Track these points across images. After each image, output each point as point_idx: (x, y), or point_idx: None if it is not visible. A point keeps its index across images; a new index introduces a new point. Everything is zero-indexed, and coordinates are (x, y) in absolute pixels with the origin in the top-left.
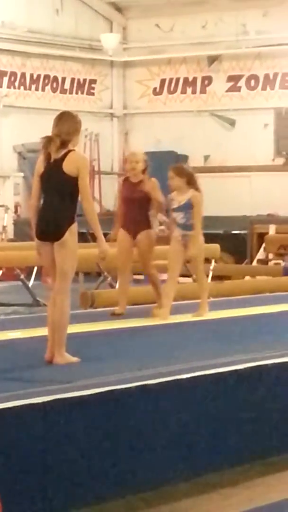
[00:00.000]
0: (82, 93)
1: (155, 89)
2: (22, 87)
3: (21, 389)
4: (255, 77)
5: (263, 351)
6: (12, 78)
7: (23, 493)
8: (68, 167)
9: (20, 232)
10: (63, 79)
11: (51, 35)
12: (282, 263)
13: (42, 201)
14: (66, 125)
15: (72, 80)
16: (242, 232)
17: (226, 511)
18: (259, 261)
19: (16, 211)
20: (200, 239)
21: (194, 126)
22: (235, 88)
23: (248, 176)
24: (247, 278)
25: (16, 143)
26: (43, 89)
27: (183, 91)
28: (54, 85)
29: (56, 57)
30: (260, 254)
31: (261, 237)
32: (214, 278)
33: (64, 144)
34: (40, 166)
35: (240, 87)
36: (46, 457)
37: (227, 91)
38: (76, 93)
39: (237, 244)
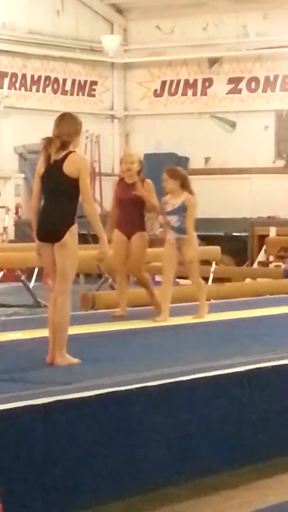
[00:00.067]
0: (83, 94)
1: (155, 91)
2: (22, 88)
3: (22, 390)
4: (255, 79)
5: (263, 353)
6: (13, 79)
7: (23, 494)
8: (68, 168)
9: (21, 233)
10: (64, 81)
11: (52, 37)
12: (283, 265)
13: (42, 202)
14: (67, 126)
15: (73, 81)
16: (243, 234)
17: None
18: (259, 263)
19: (17, 212)
20: (194, 242)
21: (195, 128)
22: (235, 90)
23: (249, 178)
24: (248, 280)
25: (17, 144)
26: (43, 91)
27: (184, 93)
28: (55, 86)
29: (57, 59)
30: (261, 256)
31: (262, 239)
32: (215, 280)
33: (64, 145)
34: (40, 167)
35: (240, 89)
36: (46, 458)
37: (227, 93)
38: (77, 94)
39: (238, 246)
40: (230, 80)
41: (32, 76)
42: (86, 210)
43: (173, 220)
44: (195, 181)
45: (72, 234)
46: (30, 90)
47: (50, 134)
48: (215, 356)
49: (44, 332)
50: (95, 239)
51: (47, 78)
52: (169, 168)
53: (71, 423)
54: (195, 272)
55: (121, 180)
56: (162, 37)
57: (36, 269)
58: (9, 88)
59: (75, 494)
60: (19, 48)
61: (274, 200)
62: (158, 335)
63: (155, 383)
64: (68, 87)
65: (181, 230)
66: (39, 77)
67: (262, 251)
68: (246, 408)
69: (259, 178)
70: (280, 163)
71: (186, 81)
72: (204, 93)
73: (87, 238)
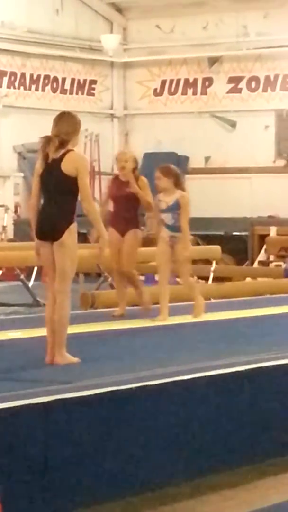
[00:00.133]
0: (82, 93)
1: (155, 90)
2: (22, 87)
3: (21, 389)
4: (255, 79)
5: (264, 353)
6: (12, 78)
7: (23, 493)
8: (66, 167)
9: (20, 232)
10: (63, 80)
11: (51, 35)
12: (283, 265)
13: (42, 201)
14: (66, 125)
15: (72, 80)
16: (243, 233)
17: None
18: (260, 262)
19: (16, 211)
20: (189, 240)
21: (195, 127)
22: (235, 90)
23: (249, 177)
24: (248, 279)
25: (16, 143)
26: (43, 89)
27: (184, 92)
28: (54, 85)
29: (56, 58)
30: (261, 256)
31: (262, 238)
32: (215, 279)
33: (63, 144)
34: (39, 166)
35: (241, 89)
36: (46, 457)
37: (227, 92)
38: (77, 93)
39: (238, 246)
40: (230, 80)
41: (32, 75)
42: (86, 208)
43: (167, 218)
44: (195, 181)
45: (71, 233)
46: (30, 89)
47: (49, 133)
48: (215, 356)
49: (43, 331)
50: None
51: (47, 77)
52: (162, 166)
53: (71, 422)
54: (186, 272)
55: (116, 177)
56: (162, 36)
57: (36, 268)
58: (8, 87)
59: (75, 493)
60: (19, 47)
61: (274, 200)
62: (158, 335)
63: (154, 382)
64: (67, 86)
65: (175, 228)
66: (39, 76)
67: (263, 251)
68: (246, 408)
69: (259, 177)
70: (280, 162)
71: (186, 80)
72: (204, 92)
73: (86, 237)
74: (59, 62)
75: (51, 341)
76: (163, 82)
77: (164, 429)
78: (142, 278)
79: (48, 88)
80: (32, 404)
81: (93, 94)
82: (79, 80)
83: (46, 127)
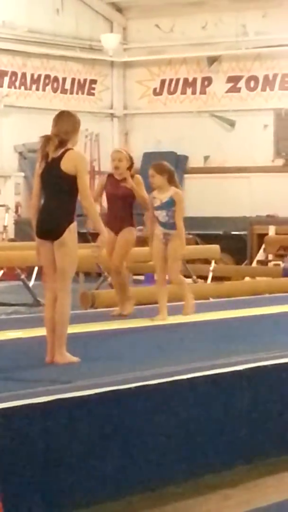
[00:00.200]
0: (83, 93)
1: (155, 89)
2: (22, 87)
3: (21, 389)
4: (254, 78)
5: (263, 352)
6: (13, 78)
7: (23, 493)
8: (65, 165)
9: (21, 232)
10: (64, 79)
11: (52, 35)
12: (282, 264)
13: (42, 201)
14: (65, 124)
15: (73, 80)
16: (242, 233)
17: None
18: (258, 262)
19: (16, 211)
20: (184, 237)
21: (194, 127)
22: (235, 89)
23: (248, 177)
24: (247, 279)
25: (17, 143)
26: (43, 89)
27: (183, 92)
28: (55, 85)
29: (57, 57)
30: (260, 255)
31: (261, 238)
32: (214, 278)
33: (62, 143)
34: (39, 166)
35: (240, 88)
36: (46, 457)
37: (227, 92)
38: (77, 93)
39: (237, 245)
40: (229, 79)
41: (32, 75)
42: (85, 207)
43: (161, 215)
44: (194, 180)
45: (71, 232)
46: (30, 89)
47: (49, 133)
48: (214, 355)
49: (44, 331)
50: (94, 237)
51: (47, 76)
52: (156, 164)
53: (71, 422)
54: (176, 269)
55: (110, 175)
56: (162, 35)
57: (36, 268)
58: (9, 87)
59: (75, 493)
60: (19, 46)
61: (273, 199)
62: (157, 334)
63: (154, 381)
64: (67, 85)
65: (168, 225)
66: (39, 75)
67: (261, 250)
68: (246, 407)
69: (258, 177)
70: (279, 162)
71: (186, 80)
72: (203, 91)
73: (86, 237)
74: (60, 61)
75: (50, 341)
76: (163, 82)
77: (164, 429)
78: (142, 277)
79: (48, 87)
80: (32, 404)
81: (93, 94)
82: (79, 80)
83: (46, 126)
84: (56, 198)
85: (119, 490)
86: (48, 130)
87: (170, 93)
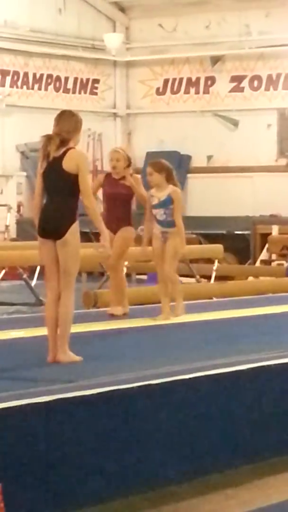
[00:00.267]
0: (85, 92)
1: (158, 89)
2: (24, 87)
3: (23, 389)
4: (258, 78)
5: (266, 352)
6: (15, 78)
7: (25, 492)
8: (67, 164)
9: (23, 231)
10: (66, 79)
11: (54, 35)
12: (285, 264)
13: (44, 200)
14: (67, 123)
15: (75, 79)
16: (245, 232)
17: None
18: (262, 261)
19: (18, 211)
20: (184, 235)
21: (197, 126)
22: (238, 89)
23: (251, 176)
24: (250, 278)
25: (19, 142)
26: (45, 89)
27: (186, 91)
28: (57, 84)
29: (59, 57)
30: (263, 255)
31: (264, 237)
32: (217, 278)
33: (64, 142)
34: (40, 165)
35: (243, 88)
36: (48, 456)
37: (230, 91)
38: (79, 92)
39: (240, 245)
40: (233, 79)
41: (34, 74)
42: (85, 206)
43: (159, 213)
44: (197, 180)
45: (73, 232)
46: (32, 88)
47: (51, 132)
48: (216, 355)
49: (46, 330)
50: (97, 237)
51: (49, 76)
52: (154, 162)
53: (73, 422)
54: (172, 266)
55: (108, 175)
56: (165, 35)
57: (38, 267)
58: (11, 86)
59: (77, 492)
60: (21, 46)
61: (276, 199)
62: (159, 333)
63: (156, 381)
64: (70, 85)
65: (166, 223)
66: (41, 75)
67: (265, 250)
68: (248, 406)
69: (261, 176)
70: (283, 161)
71: (189, 79)
72: (206, 91)
73: (89, 236)
74: (62, 61)
75: (52, 340)
76: (166, 81)
77: (166, 428)
78: (145, 277)
79: (51, 87)
80: (34, 403)
81: (95, 93)
82: (81, 79)
83: (49, 126)
84: (58, 197)
85: (121, 489)
86: (50, 129)
87: (173, 92)
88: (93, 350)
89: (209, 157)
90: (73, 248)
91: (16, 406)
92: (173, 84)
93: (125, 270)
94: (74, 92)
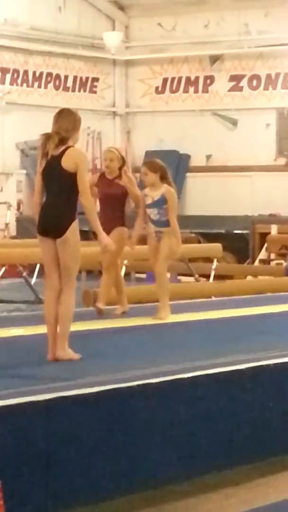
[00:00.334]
0: (85, 91)
1: (157, 88)
2: (24, 84)
3: (23, 387)
4: (257, 77)
5: (264, 351)
6: (15, 75)
7: (25, 490)
8: (66, 163)
9: (23, 229)
10: (66, 77)
11: (54, 33)
12: (284, 263)
13: (44, 198)
14: (65, 122)
15: (75, 78)
16: (244, 232)
17: (228, 511)
18: (261, 261)
19: (18, 208)
20: (179, 234)
21: (196, 126)
22: (237, 88)
23: (250, 176)
24: (249, 278)
25: (19, 140)
26: (45, 87)
27: (185, 90)
28: (57, 82)
29: (59, 55)
30: (262, 254)
31: (263, 237)
32: (216, 277)
33: (63, 141)
34: (40, 164)
35: (242, 87)
36: (48, 455)
37: (229, 90)
38: (79, 91)
39: (239, 244)
40: (232, 78)
41: (34, 72)
42: (83, 204)
43: (153, 213)
44: (196, 179)
45: (73, 230)
46: (32, 86)
47: (50, 131)
48: (215, 354)
49: (45, 328)
50: (96, 235)
51: (49, 74)
52: (148, 161)
53: (73, 420)
54: (163, 266)
55: (102, 175)
56: (164, 34)
57: (38, 265)
58: (11, 84)
59: (76, 490)
60: (21, 44)
61: (275, 198)
62: (159, 332)
63: (156, 380)
64: (69, 83)
65: (160, 223)
66: (41, 73)
67: (264, 249)
68: (247, 406)
69: (260, 176)
70: (282, 161)
71: (188, 79)
72: (205, 90)
73: (89, 235)
74: (62, 59)
75: (52, 338)
76: (165, 80)
77: (165, 427)
78: (143, 276)
79: (50, 85)
80: (34, 401)
81: (95, 92)
82: (81, 78)
83: (48, 124)
84: (57, 196)
85: (120, 488)
86: (50, 127)
87: (172, 91)
88: (93, 349)
89: (208, 157)
90: (73, 246)
91: (16, 404)
92: (172, 83)
93: (124, 269)
94: (73, 91)
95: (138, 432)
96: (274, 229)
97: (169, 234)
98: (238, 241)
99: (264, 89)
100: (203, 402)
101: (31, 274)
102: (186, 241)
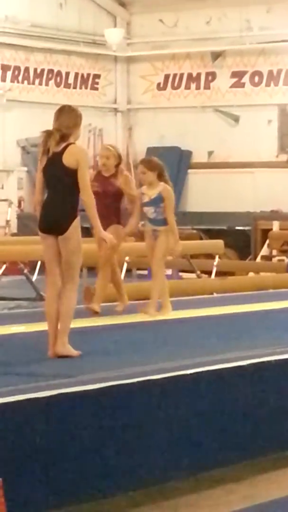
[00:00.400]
0: (86, 88)
1: (159, 84)
2: (25, 82)
3: (24, 384)
4: (259, 73)
5: (266, 347)
6: (16, 72)
7: (25, 487)
8: (67, 159)
9: (24, 226)
10: (67, 74)
11: (55, 30)
12: (286, 260)
13: (45, 195)
14: (66, 119)
15: (76, 74)
16: (246, 228)
17: (229, 507)
18: (263, 257)
19: (19, 206)
20: (176, 232)
21: (198, 122)
22: (239, 84)
23: (252, 172)
24: (251, 274)
25: (20, 137)
26: (46, 84)
27: (187, 87)
28: (58, 79)
29: (60, 52)
30: (264, 251)
31: (265, 233)
32: (218, 274)
33: (64, 137)
34: (40, 161)
35: (244, 83)
36: (49, 452)
37: (231, 87)
38: (80, 87)
39: (241, 240)
40: (234, 74)
41: (35, 69)
42: (83, 201)
43: (150, 211)
44: (198, 175)
45: (75, 227)
46: (33, 83)
47: (51, 128)
48: (217, 350)
49: (46, 325)
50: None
51: (50, 71)
52: (146, 160)
53: (74, 417)
54: (159, 264)
55: (98, 172)
56: (165, 30)
57: (39, 262)
58: (12, 81)
59: (77, 487)
60: (22, 41)
61: (277, 194)
62: (160, 329)
63: (157, 376)
64: (71, 80)
65: (157, 221)
66: (42, 70)
67: (265, 245)
68: (249, 402)
69: (262, 172)
70: (283, 157)
71: (189, 75)
72: (207, 86)
73: (90, 232)
74: (63, 56)
75: (52, 335)
76: (167, 77)
77: (167, 423)
78: (145, 272)
79: (51, 82)
80: (35, 398)
81: (96, 89)
82: (82, 74)
83: (49, 121)
84: (59, 193)
85: (122, 484)
86: (51, 124)
87: (174, 88)
88: (93, 345)
89: (210, 153)
90: (75, 243)
91: (16, 401)
92: (174, 79)
93: (125, 265)
94: (75, 87)
95: (139, 428)
96: (276, 226)
97: (166, 232)
98: (240, 237)
99: (266, 86)
100: (205, 398)
101: (32, 271)
102: (187, 237)
